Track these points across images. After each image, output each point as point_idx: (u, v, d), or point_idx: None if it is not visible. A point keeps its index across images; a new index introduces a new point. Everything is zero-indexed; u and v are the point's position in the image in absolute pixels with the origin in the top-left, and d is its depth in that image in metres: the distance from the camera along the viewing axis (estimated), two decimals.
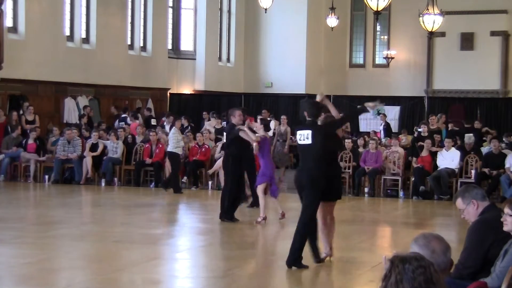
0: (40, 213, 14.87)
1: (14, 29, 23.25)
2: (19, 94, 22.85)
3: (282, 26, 31.93)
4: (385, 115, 23.55)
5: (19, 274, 9.28)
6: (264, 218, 13.26)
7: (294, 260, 9.56)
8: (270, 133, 20.21)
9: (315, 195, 9.55)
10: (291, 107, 28.03)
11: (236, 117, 13.56)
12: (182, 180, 19.29)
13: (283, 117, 21.72)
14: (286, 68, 31.72)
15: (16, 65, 22.23)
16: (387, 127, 22.91)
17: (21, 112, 22.18)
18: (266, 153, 13.44)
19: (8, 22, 22.88)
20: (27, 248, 10.98)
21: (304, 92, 30.79)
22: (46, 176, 19.54)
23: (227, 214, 13.38)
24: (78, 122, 23.25)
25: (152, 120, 25.29)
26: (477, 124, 21.55)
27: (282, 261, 10.66)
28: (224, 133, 13.63)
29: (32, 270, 9.42)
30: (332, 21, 29.77)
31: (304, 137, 9.67)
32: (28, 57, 23.07)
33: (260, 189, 13.34)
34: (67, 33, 25.31)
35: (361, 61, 34.42)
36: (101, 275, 9.28)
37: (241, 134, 13.30)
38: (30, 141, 20.23)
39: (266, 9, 25.08)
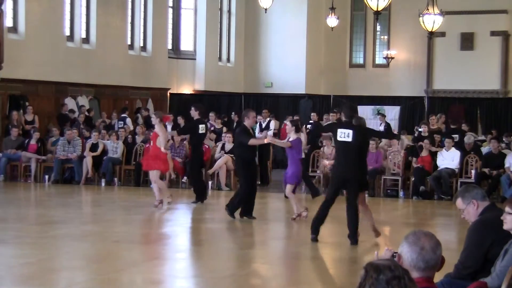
0: (40, 213, 14.87)
1: (14, 29, 23.25)
2: (19, 94, 22.85)
3: (282, 26, 31.93)
4: (384, 116, 23.53)
5: (19, 274, 9.28)
6: (299, 215, 13.44)
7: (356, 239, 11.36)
8: (271, 133, 20.23)
9: (356, 188, 11.32)
10: (291, 107, 28.03)
11: (250, 119, 13.83)
12: (182, 180, 19.30)
13: (296, 117, 21.54)
14: (286, 68, 31.71)
15: (16, 65, 22.23)
16: (387, 127, 22.87)
17: (21, 112, 22.19)
18: (297, 155, 13.51)
19: (8, 22, 22.88)
20: (27, 248, 10.98)
21: (304, 92, 30.80)
22: (46, 176, 19.54)
23: (231, 208, 13.42)
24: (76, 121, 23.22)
25: (151, 120, 25.26)
26: (464, 126, 21.54)
27: (282, 260, 10.68)
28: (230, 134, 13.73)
29: (32, 270, 9.42)
30: (332, 21, 29.76)
31: (345, 135, 11.21)
32: (28, 57, 23.08)
33: (289, 189, 13.55)
34: (67, 33, 25.31)
35: (361, 61, 34.42)
36: (101, 275, 9.28)
37: (250, 142, 13.52)
38: (32, 142, 20.24)
39: (266, 9, 25.06)
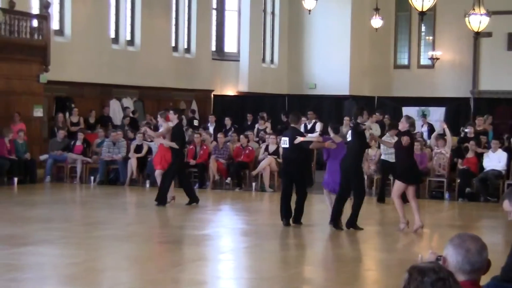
0: (86, 214, 15.00)
1: (60, 31, 23.51)
2: (65, 96, 23.10)
3: (326, 27, 31.82)
4: (426, 117, 23.32)
5: (64, 274, 9.37)
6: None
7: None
8: (315, 135, 20.13)
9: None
10: (335, 108, 27.90)
11: (299, 122, 13.85)
12: (226, 181, 19.33)
13: (346, 118, 21.43)
14: (330, 70, 31.60)
15: (62, 68, 22.47)
16: (430, 129, 22.65)
17: (67, 114, 22.43)
18: (336, 156, 13.43)
19: (55, 25, 23.15)
20: (72, 248, 11.08)
21: (348, 94, 30.65)
22: (92, 177, 19.71)
23: (296, 217, 13.28)
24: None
25: (195, 121, 25.37)
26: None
27: (325, 262, 10.64)
28: (284, 137, 13.48)
29: (77, 270, 9.50)
30: (376, 22, 29.57)
31: None
32: (74, 60, 23.31)
33: (326, 194, 13.54)
34: (112, 35, 25.53)
35: (405, 62, 34.18)
36: (145, 275, 9.32)
37: (312, 146, 13.43)
38: (78, 143, 20.44)
39: (310, 10, 25.00)
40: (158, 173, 15.89)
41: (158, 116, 16.11)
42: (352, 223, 12.77)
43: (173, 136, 15.29)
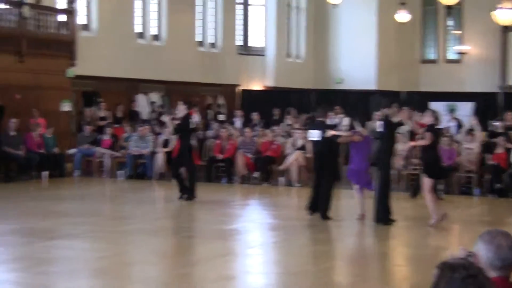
0: (114, 208, 15.04)
1: (87, 26, 23.60)
2: (92, 91, 23.19)
3: (352, 21, 31.69)
4: (453, 112, 23.14)
5: (93, 267, 9.40)
6: (362, 216, 13.31)
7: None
8: (343, 129, 20.05)
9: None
10: (362, 103, 27.76)
11: (327, 116, 13.82)
12: (254, 175, 19.30)
13: (378, 113, 21.27)
14: (357, 64, 31.47)
15: (89, 62, 22.55)
16: (458, 124, 22.48)
17: (94, 108, 22.53)
18: (364, 151, 13.40)
19: (81, 19, 23.23)
20: (101, 242, 11.12)
21: (374, 88, 30.51)
22: (120, 172, 19.77)
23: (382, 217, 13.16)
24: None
25: (221, 116, 25.37)
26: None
27: (354, 257, 10.59)
28: (312, 131, 13.45)
29: (106, 264, 9.52)
30: (402, 16, 29.41)
31: None
32: (101, 54, 23.39)
33: (355, 188, 13.51)
34: (139, 30, 25.59)
35: (433, 57, 33.95)
36: (174, 270, 9.33)
37: (340, 139, 13.42)
38: (106, 137, 20.51)
39: (335, 5, 24.93)
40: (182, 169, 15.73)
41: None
42: (383, 218, 12.74)
43: (184, 127, 15.20)
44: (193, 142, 16.04)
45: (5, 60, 19.77)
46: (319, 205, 13.26)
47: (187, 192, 15.29)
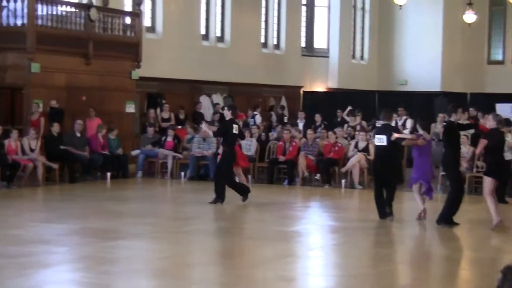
0: (175, 209, 15.15)
1: (152, 28, 23.86)
2: (156, 92, 23.42)
3: (417, 22, 31.40)
4: None
5: (155, 267, 9.48)
6: (421, 214, 13.21)
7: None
8: (407, 132, 19.86)
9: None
10: (426, 105, 27.45)
11: (392, 118, 13.97)
12: (315, 177, 19.25)
13: (441, 115, 21.08)
14: (421, 65, 31.17)
15: (154, 64, 22.80)
16: None
17: (158, 110, 22.74)
18: (427, 154, 13.30)
19: (147, 22, 23.50)
20: (162, 242, 11.22)
21: (439, 90, 30.16)
22: (182, 173, 19.90)
23: (446, 218, 13.03)
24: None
25: (285, 117, 25.36)
26: None
27: (416, 260, 10.48)
28: (379, 136, 13.36)
29: (167, 264, 9.60)
30: (469, 16, 29.00)
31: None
32: (165, 56, 23.63)
33: (415, 189, 13.36)
34: (203, 32, 25.76)
35: (500, 58, 33.39)
36: (234, 271, 9.34)
37: (404, 142, 13.33)
38: (169, 139, 20.68)
39: (400, 6, 24.72)
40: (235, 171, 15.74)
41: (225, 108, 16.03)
42: (447, 219, 12.59)
43: (225, 132, 15.16)
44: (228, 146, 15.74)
45: (72, 62, 20.11)
46: (386, 205, 13.25)
47: (218, 195, 15.16)
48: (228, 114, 15.25)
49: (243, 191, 15.26)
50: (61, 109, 19.58)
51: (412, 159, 13.97)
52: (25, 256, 9.73)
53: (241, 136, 16.40)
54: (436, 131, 20.43)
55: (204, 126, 17.56)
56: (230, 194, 15.16)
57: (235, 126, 14.98)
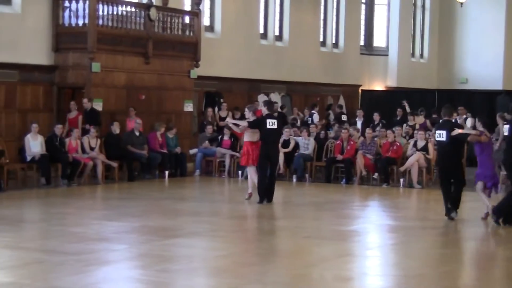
0: (233, 208, 15.19)
1: (210, 28, 23.97)
2: (214, 91, 23.52)
3: (478, 19, 30.97)
4: None
5: (212, 266, 9.51)
6: (487, 215, 13.10)
7: None
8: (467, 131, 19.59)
9: None
10: (487, 104, 27.05)
11: (452, 116, 13.90)
12: (373, 176, 19.11)
13: (504, 114, 20.75)
14: (483, 64, 30.75)
15: (212, 63, 22.90)
16: None
17: (216, 108, 22.83)
18: (488, 151, 13.14)
19: (205, 21, 23.62)
20: (220, 241, 11.25)
21: (501, 88, 29.70)
22: (240, 172, 19.94)
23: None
24: None
25: (343, 116, 25.24)
26: None
27: (476, 261, 10.32)
28: (440, 131, 13.26)
29: (224, 263, 9.63)
30: None
31: None
32: (223, 55, 23.71)
33: (478, 188, 13.20)
34: (261, 31, 25.79)
35: None
36: (292, 270, 9.33)
37: (470, 138, 13.20)
38: (226, 138, 20.74)
39: (462, 3, 24.41)
40: (249, 169, 15.66)
41: (246, 109, 15.90)
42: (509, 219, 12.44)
43: (259, 125, 15.08)
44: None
45: (132, 62, 20.32)
46: (452, 206, 13.12)
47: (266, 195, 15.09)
48: (264, 109, 15.34)
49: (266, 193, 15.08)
50: (98, 111, 19.40)
51: (472, 158, 13.81)
52: (85, 253, 9.87)
53: (280, 128, 16.10)
54: (497, 130, 20.12)
55: (229, 119, 17.62)
56: (288, 193, 15.13)
57: (270, 121, 15.00)
